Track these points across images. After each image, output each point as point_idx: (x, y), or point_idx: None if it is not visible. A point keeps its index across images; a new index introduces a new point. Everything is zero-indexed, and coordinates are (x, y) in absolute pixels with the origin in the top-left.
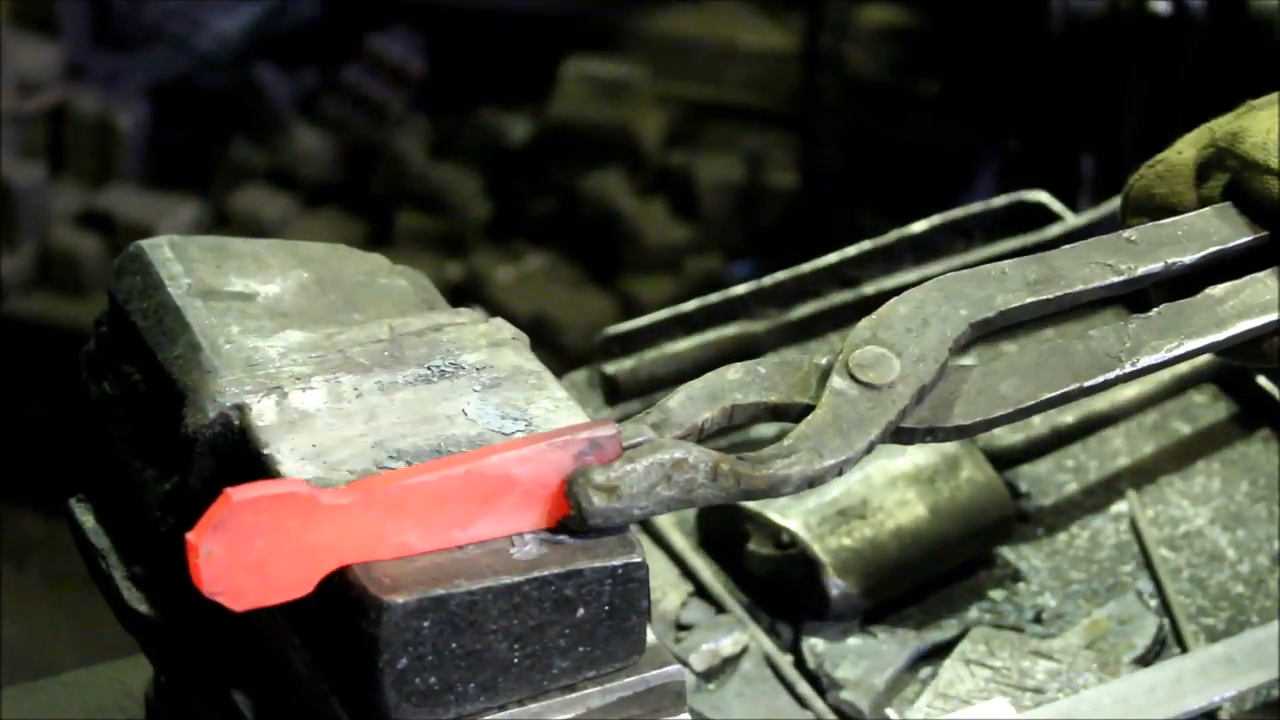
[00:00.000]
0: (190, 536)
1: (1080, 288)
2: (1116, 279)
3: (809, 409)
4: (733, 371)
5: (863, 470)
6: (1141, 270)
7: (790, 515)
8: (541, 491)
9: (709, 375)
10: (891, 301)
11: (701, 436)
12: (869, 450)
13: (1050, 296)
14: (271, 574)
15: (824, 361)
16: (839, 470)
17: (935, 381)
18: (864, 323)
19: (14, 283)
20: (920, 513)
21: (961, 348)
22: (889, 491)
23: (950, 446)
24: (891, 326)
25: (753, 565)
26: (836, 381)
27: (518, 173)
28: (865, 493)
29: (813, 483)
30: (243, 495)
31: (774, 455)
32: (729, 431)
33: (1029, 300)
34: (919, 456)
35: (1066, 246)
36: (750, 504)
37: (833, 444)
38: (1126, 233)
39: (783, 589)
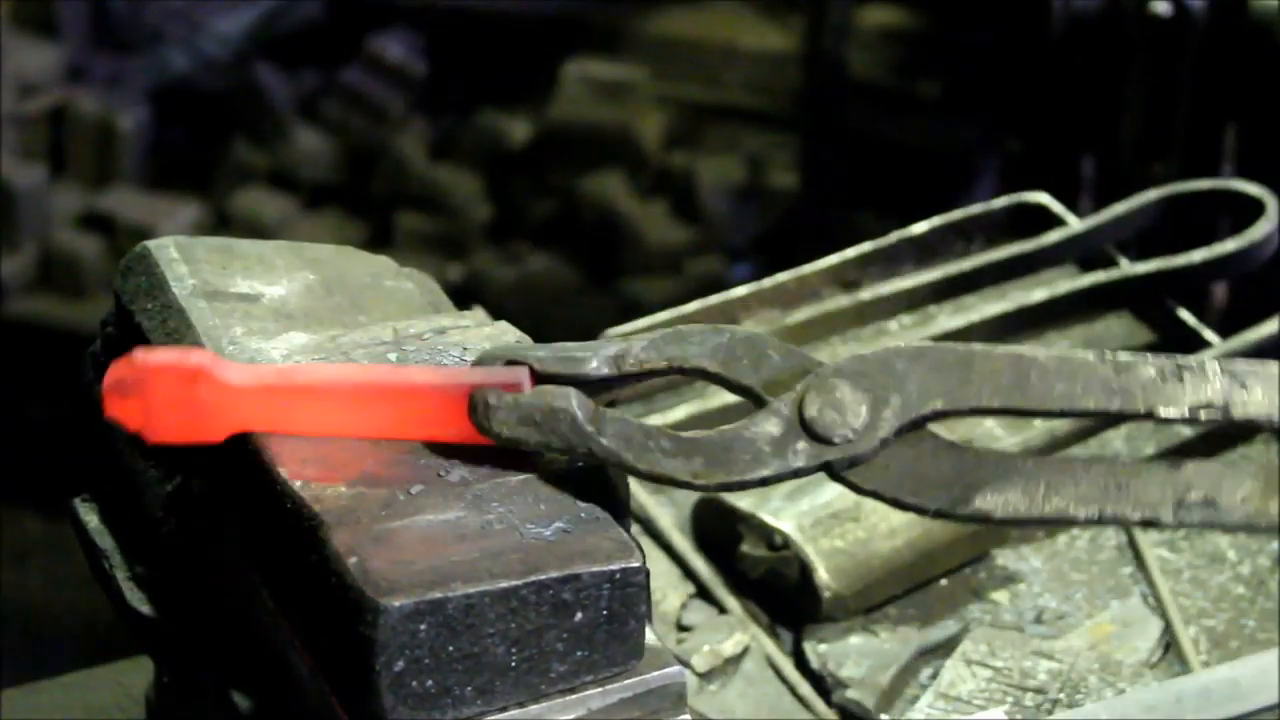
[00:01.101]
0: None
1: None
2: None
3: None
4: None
5: None
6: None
7: (783, 517)
8: (451, 407)
9: (680, 329)
10: (863, 359)
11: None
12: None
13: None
14: (174, 417)
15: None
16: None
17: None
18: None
19: (15, 284)
20: (913, 516)
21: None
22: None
23: None
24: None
25: (745, 567)
26: (793, 442)
27: (518, 174)
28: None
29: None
30: (151, 358)
31: (666, 453)
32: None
33: (998, 405)
34: None
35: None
36: (744, 505)
37: (735, 468)
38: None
39: (776, 591)
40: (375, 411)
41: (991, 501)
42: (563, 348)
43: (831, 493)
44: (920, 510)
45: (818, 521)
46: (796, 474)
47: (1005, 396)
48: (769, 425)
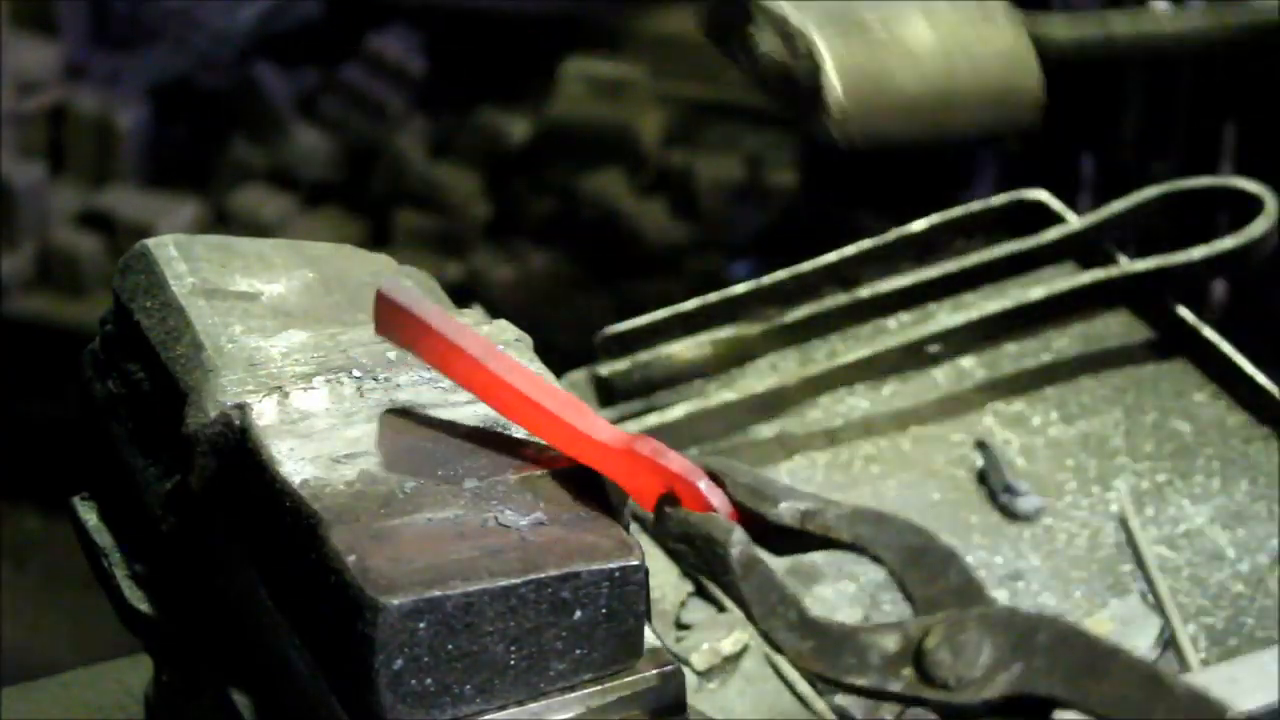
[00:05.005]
0: None
1: None
2: None
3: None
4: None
5: None
6: None
7: (809, 17)
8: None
9: (885, 515)
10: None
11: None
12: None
13: None
14: None
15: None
16: None
17: None
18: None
19: (14, 282)
20: (934, 48)
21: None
22: (916, 21)
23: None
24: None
25: (753, 62)
26: (901, 666)
27: (517, 172)
28: (892, 17)
29: None
30: None
31: (787, 624)
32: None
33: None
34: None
35: None
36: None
37: (837, 666)
38: None
39: (781, 90)
40: (552, 429)
41: None
42: (762, 481)
43: (863, 5)
44: None
45: (844, 30)
46: (889, 696)
47: (1122, 712)
48: (889, 640)
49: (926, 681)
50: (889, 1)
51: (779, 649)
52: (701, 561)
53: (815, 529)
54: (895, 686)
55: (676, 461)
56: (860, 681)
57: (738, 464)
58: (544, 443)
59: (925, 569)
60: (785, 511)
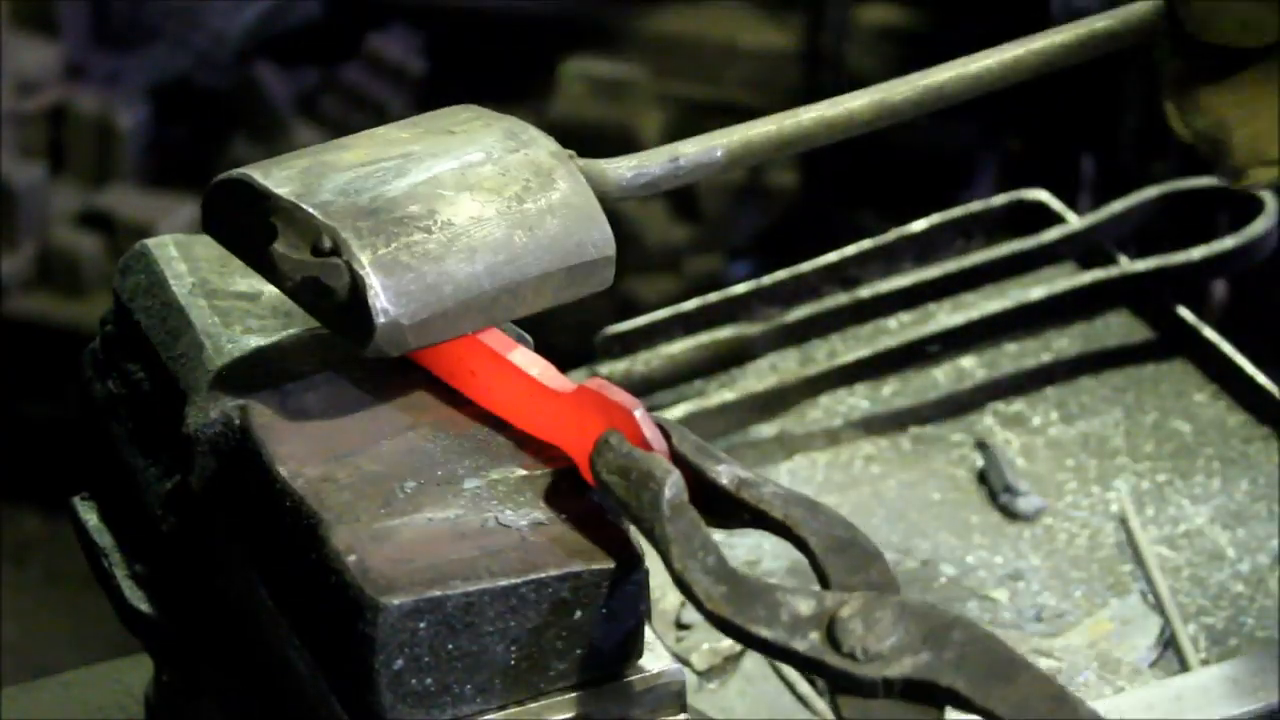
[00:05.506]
0: None
1: None
2: None
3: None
4: None
5: (431, 172)
6: None
7: (336, 215)
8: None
9: (817, 503)
10: None
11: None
12: None
13: None
14: None
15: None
16: None
17: None
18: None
19: (14, 282)
20: (497, 236)
21: None
22: (461, 202)
23: (546, 159)
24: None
25: (279, 273)
26: (809, 628)
27: None
28: (433, 202)
29: None
30: None
31: (704, 567)
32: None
33: None
34: (507, 162)
35: None
36: (284, 191)
37: (744, 613)
38: None
39: (316, 306)
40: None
41: None
42: (710, 447)
43: (400, 190)
44: None
45: (379, 224)
46: (790, 655)
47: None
48: (803, 603)
49: (833, 647)
50: (426, 186)
51: (691, 593)
52: (630, 495)
53: (749, 499)
54: (800, 646)
55: (619, 394)
56: (766, 634)
57: (688, 430)
58: (544, 442)
59: (848, 560)
60: (724, 473)
